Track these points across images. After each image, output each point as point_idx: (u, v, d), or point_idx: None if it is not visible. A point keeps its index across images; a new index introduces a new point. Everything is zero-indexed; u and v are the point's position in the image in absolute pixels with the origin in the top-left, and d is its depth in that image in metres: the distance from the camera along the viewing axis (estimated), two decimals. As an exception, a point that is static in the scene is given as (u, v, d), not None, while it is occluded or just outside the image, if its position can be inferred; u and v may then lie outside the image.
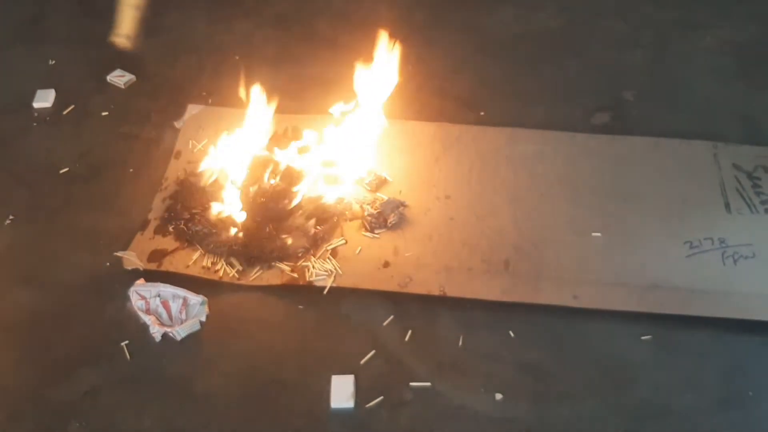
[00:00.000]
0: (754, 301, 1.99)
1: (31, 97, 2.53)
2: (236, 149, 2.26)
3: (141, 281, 2.00)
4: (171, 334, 1.92)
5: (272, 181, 2.18)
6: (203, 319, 1.96)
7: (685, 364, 1.91)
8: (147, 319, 1.93)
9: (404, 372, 1.88)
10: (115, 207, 2.23)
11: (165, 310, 1.97)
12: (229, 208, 2.14)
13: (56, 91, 2.55)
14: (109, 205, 2.23)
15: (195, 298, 1.97)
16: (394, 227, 2.17)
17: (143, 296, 1.97)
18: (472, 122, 2.47)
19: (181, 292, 1.97)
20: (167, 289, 1.98)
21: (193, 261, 2.08)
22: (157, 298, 1.97)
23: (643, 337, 1.94)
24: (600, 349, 1.93)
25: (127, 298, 1.97)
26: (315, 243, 2.13)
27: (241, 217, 2.13)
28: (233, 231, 2.12)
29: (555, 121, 2.45)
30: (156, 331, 1.92)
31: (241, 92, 2.29)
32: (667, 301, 1.99)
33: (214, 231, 2.11)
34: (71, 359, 1.90)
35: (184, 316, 1.97)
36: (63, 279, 2.06)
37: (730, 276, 2.05)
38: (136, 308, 1.95)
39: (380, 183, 2.28)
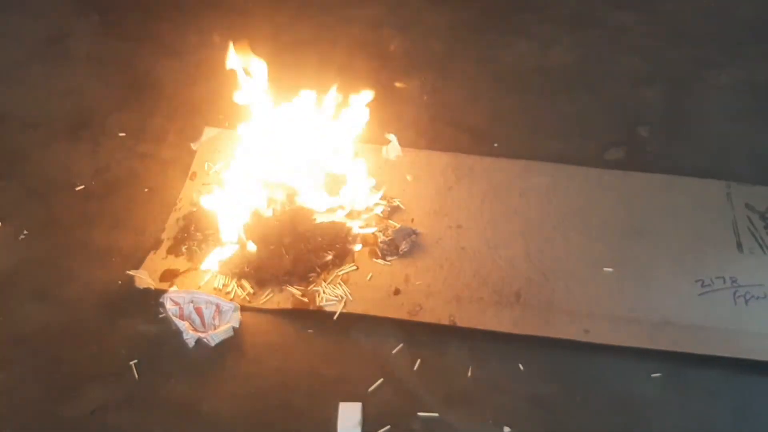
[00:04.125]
0: (764, 341, 1.98)
1: (51, 113, 2.56)
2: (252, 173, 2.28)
3: (174, 288, 2.04)
4: (205, 340, 1.95)
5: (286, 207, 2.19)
6: (236, 325, 1.99)
7: (695, 403, 1.90)
8: (181, 324, 1.95)
9: (412, 401, 1.87)
10: (129, 225, 2.24)
11: (198, 317, 2.00)
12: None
13: (75, 110, 2.58)
14: (123, 224, 2.25)
15: (227, 305, 2.00)
16: (406, 255, 2.18)
17: (177, 302, 1.99)
18: (486, 153, 2.48)
19: (214, 298, 2.01)
20: (200, 296, 2.01)
21: (205, 282, 2.09)
22: (191, 305, 2.00)
23: (653, 375, 1.94)
24: (610, 385, 1.93)
25: (161, 305, 1.99)
26: (326, 268, 2.13)
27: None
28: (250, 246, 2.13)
29: (569, 155, 2.46)
30: (190, 337, 1.94)
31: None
32: (678, 338, 1.98)
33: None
34: (80, 376, 1.90)
35: (217, 322, 1.99)
36: (75, 295, 2.07)
37: (742, 316, 2.05)
38: (170, 314, 1.97)
39: (393, 210, 2.29)
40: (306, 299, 2.06)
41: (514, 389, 1.91)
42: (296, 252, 2.13)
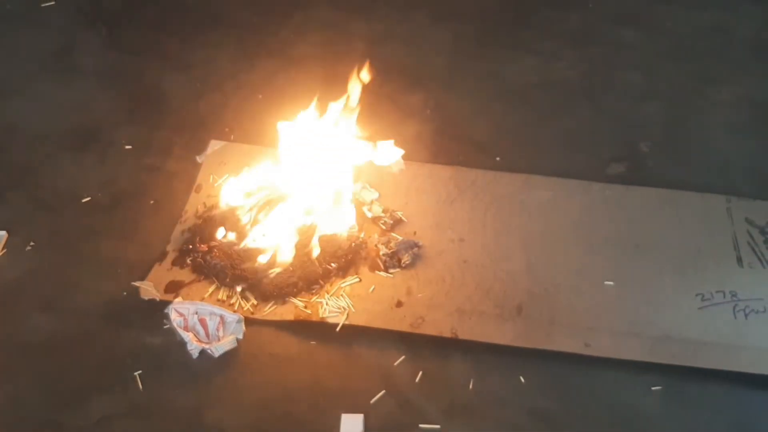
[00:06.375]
0: (764, 355, 1.99)
1: (58, 126, 2.59)
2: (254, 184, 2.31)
3: (179, 299, 2.06)
4: (209, 351, 1.97)
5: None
6: (240, 336, 2.01)
7: (695, 417, 1.91)
8: (185, 335, 1.97)
9: (414, 413, 1.89)
10: (135, 237, 2.26)
11: (202, 328, 2.01)
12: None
13: (83, 122, 2.61)
14: (128, 235, 2.27)
15: (231, 316, 2.02)
16: (408, 267, 2.19)
17: (181, 313, 2.01)
18: (488, 167, 2.50)
19: (218, 310, 2.03)
20: (205, 307, 2.03)
21: (209, 293, 2.11)
22: (195, 316, 2.02)
23: (653, 388, 1.95)
24: (610, 398, 1.94)
25: (166, 316, 2.01)
26: (329, 280, 2.15)
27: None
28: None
29: (570, 170, 2.48)
30: (194, 348, 1.96)
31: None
32: (678, 352, 1.99)
33: (230, 263, 2.14)
34: (85, 386, 1.92)
35: (221, 333, 2.01)
36: (80, 306, 2.09)
37: (742, 330, 2.06)
38: (174, 325, 1.99)
39: (396, 223, 2.31)
40: (309, 311, 2.08)
41: (515, 402, 1.92)
42: (300, 263, 2.15)
